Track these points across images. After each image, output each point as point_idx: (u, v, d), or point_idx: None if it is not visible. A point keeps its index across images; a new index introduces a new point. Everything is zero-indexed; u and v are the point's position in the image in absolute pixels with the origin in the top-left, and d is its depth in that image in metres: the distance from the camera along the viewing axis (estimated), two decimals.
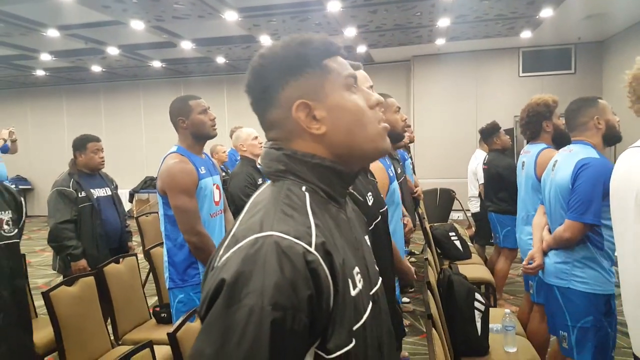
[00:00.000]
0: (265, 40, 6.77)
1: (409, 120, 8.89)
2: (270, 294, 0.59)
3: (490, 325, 2.37)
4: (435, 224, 4.44)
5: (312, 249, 0.64)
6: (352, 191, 1.26)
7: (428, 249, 2.88)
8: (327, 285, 0.64)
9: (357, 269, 0.73)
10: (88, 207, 3.05)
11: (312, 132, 0.76)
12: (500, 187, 3.92)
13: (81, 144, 3.18)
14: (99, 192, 3.15)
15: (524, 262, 2.22)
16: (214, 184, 2.25)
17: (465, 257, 4.04)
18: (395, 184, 2.07)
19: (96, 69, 8.78)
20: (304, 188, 0.75)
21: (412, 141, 5.97)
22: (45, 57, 7.52)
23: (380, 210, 1.45)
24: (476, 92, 8.55)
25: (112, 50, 7.25)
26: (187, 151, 2.20)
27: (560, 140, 2.53)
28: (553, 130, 2.62)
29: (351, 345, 0.67)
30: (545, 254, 2.17)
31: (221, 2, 5.12)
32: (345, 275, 0.69)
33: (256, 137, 3.33)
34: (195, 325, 1.74)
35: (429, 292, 2.10)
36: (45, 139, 10.43)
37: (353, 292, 0.70)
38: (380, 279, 0.89)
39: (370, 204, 1.36)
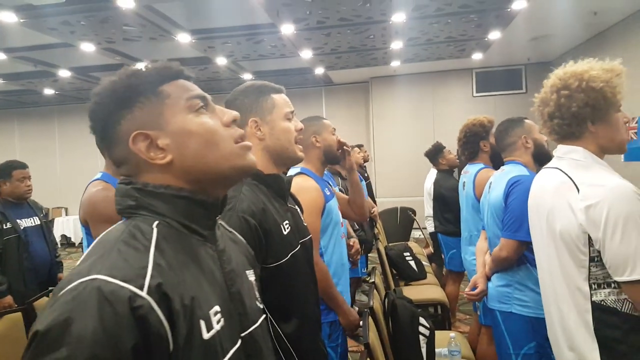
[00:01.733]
0: (222, 61, 6.73)
1: (369, 140, 8.99)
2: (87, 345, 0.53)
3: (437, 350, 2.35)
4: (390, 244, 4.43)
5: (143, 293, 0.59)
6: (245, 217, 1.20)
7: (378, 271, 2.85)
8: (161, 332, 0.59)
9: (216, 308, 0.69)
10: (14, 239, 2.88)
11: (157, 163, 0.72)
12: (445, 208, 3.95)
13: (6, 171, 2.99)
14: (26, 222, 2.99)
15: (466, 289, 2.21)
16: None
17: (421, 278, 4.03)
18: (333, 202, 2.02)
19: (49, 91, 8.51)
20: (155, 223, 0.70)
21: (366, 161, 6.03)
22: None
23: (301, 241, 1.39)
24: (433, 112, 8.74)
25: (64, 73, 7.06)
26: (113, 177, 2.09)
27: (498, 161, 2.57)
28: (490, 150, 2.66)
29: None
30: (488, 278, 2.16)
31: (172, 24, 5.06)
32: (193, 317, 0.64)
33: None
34: None
35: (370, 318, 2.06)
36: None
37: (206, 335, 0.65)
38: (263, 317, 0.84)
39: (285, 233, 1.30)
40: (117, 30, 5.11)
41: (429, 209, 5.06)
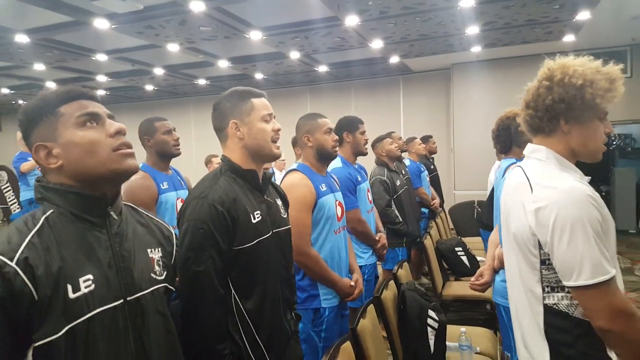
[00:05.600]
0: (295, 55, 6.98)
1: (448, 129, 8.71)
2: None
3: (449, 344, 2.33)
4: (443, 239, 4.34)
5: (12, 263, 0.84)
6: (215, 205, 1.38)
7: (405, 264, 2.86)
8: (25, 290, 0.84)
9: (88, 276, 0.90)
10: None
11: (52, 167, 0.95)
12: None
13: None
14: None
15: (472, 278, 2.17)
16: (177, 198, 2.42)
17: (473, 273, 3.91)
18: (326, 198, 2.11)
19: (149, 87, 9.46)
20: (49, 212, 0.92)
21: (433, 152, 5.89)
22: (101, 78, 8.25)
23: (275, 230, 1.53)
24: (519, 99, 8.19)
25: (158, 71, 7.80)
26: (152, 168, 2.39)
27: None
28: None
29: (56, 336, 0.84)
30: (496, 271, 2.11)
31: (242, 22, 5.37)
32: (59, 281, 0.86)
33: None
34: None
35: (372, 305, 2.13)
36: None
37: (72, 295, 0.87)
38: (157, 286, 1.04)
39: (254, 221, 1.44)
40: (194, 31, 5.55)
41: None
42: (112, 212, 1.01)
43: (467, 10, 5.25)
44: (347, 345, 1.72)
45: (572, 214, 1.13)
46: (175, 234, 1.22)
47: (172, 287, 1.14)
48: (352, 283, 2.22)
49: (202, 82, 8.99)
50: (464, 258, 3.95)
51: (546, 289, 1.23)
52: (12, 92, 9.45)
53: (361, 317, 1.92)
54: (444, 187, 8.61)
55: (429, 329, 2.23)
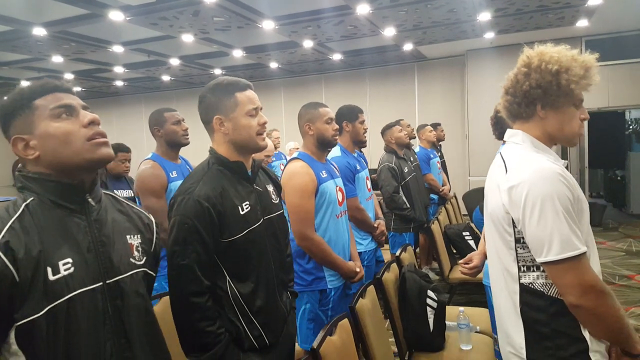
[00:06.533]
0: (308, 44, 7.03)
1: (463, 116, 8.68)
2: None
3: (449, 323, 2.43)
4: (450, 224, 4.40)
5: None
6: (200, 201, 1.43)
7: (409, 247, 2.95)
8: (6, 272, 0.90)
9: (67, 260, 0.98)
10: None
11: (29, 158, 1.03)
12: None
13: (113, 151, 3.70)
14: (122, 194, 3.62)
15: (461, 261, 2.24)
16: None
17: None
18: (327, 184, 2.20)
19: (165, 78, 9.63)
20: (30, 199, 1.00)
21: (441, 139, 5.91)
22: (118, 69, 8.43)
23: (266, 217, 1.59)
24: None
25: (174, 61, 7.95)
26: (161, 157, 2.50)
27: None
28: None
29: (37, 316, 0.92)
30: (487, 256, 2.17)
31: (254, 12, 5.45)
32: (39, 264, 0.94)
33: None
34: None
35: (373, 286, 2.23)
36: (128, 143, 11.60)
37: (52, 277, 0.95)
38: (136, 270, 1.11)
39: (242, 212, 1.50)
40: (208, 22, 5.65)
41: None
42: (90, 199, 1.07)
43: None
44: (345, 322, 1.82)
45: (542, 191, 1.18)
46: (154, 222, 1.27)
47: (152, 272, 1.19)
48: (357, 268, 2.31)
49: (217, 71, 9.11)
50: (472, 242, 4.01)
51: (522, 268, 1.27)
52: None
53: (360, 296, 2.01)
54: (460, 174, 8.63)
55: (429, 308, 2.33)
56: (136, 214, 1.21)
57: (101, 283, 1.02)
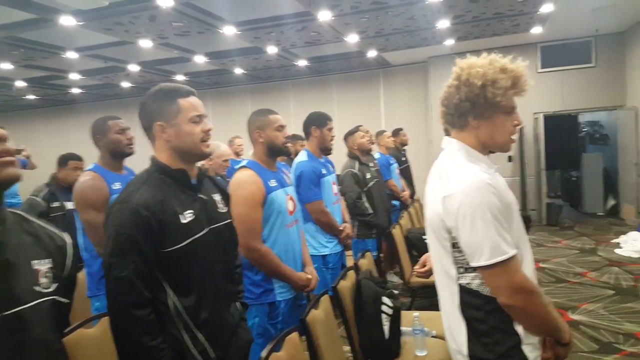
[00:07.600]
0: (272, 50, 6.99)
1: (426, 122, 8.80)
2: None
3: (405, 329, 2.41)
4: (411, 228, 4.43)
5: None
6: (138, 209, 1.36)
7: (367, 253, 2.93)
8: None
9: None
10: (60, 217, 3.35)
11: None
12: None
13: (63, 160, 3.55)
14: (71, 205, 3.46)
15: (416, 266, 2.22)
16: None
17: None
18: (276, 194, 2.15)
19: (125, 84, 9.38)
20: None
21: (405, 144, 5.95)
22: (74, 76, 8.15)
23: (212, 226, 1.53)
24: None
25: (133, 67, 7.75)
26: (103, 168, 2.36)
27: None
28: None
29: None
30: None
31: (215, 18, 5.37)
32: None
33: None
34: (91, 331, 1.77)
35: (327, 296, 2.19)
36: (86, 153, 11.23)
37: None
38: (42, 299, 0.99)
39: (184, 221, 1.43)
40: (166, 27, 5.53)
41: None
42: None
43: (436, 4, 5.33)
44: (294, 336, 1.76)
45: (473, 202, 1.23)
46: (70, 244, 1.14)
47: (64, 300, 1.07)
48: (309, 276, 2.26)
49: (180, 77, 8.94)
50: None
51: (460, 270, 1.32)
52: None
53: (312, 307, 1.96)
54: (424, 177, 8.62)
55: (384, 315, 2.30)
56: (48, 235, 1.09)
57: (3, 317, 0.90)
